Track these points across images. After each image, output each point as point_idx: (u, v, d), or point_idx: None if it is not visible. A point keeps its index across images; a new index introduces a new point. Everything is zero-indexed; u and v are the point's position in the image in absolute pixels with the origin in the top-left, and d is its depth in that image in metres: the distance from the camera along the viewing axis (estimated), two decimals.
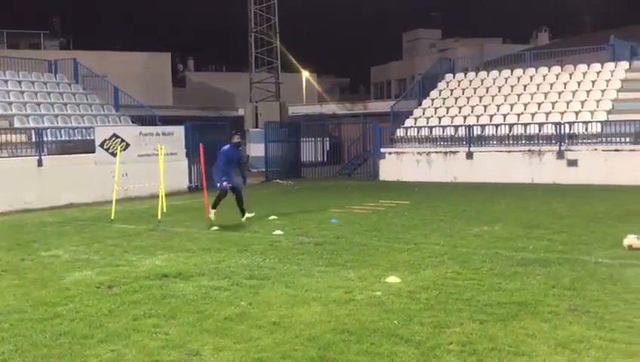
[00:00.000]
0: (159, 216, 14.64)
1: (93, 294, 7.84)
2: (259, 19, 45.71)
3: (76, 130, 21.98)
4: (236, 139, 14.01)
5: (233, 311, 6.92)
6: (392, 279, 8.13)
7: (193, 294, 7.69)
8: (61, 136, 21.45)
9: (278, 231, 12.37)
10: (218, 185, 13.69)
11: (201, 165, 16.87)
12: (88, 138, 21.15)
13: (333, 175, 30.59)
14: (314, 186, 24.87)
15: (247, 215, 14.00)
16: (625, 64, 26.51)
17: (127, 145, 20.74)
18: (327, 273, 8.67)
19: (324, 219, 14.03)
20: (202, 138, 21.87)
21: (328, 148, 36.03)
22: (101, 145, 20.35)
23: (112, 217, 14.98)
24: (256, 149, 35.80)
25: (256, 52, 46.07)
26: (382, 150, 27.35)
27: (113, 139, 20.55)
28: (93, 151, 20.31)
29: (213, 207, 13.80)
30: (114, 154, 18.06)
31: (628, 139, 22.28)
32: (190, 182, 23.08)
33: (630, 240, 9.76)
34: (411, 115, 28.81)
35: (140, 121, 24.48)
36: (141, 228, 13.46)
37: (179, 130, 23.14)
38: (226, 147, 13.84)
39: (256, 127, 40.16)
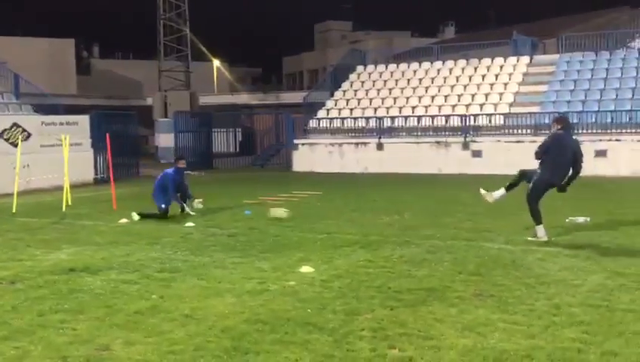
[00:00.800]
0: (64, 209, 14.15)
1: None
2: (168, 6, 44.77)
3: None
4: (181, 164, 13.67)
5: (144, 304, 6.78)
6: (306, 269, 8.19)
7: (101, 288, 7.48)
8: None
9: (190, 224, 12.20)
10: (162, 206, 13.10)
11: (108, 156, 16.40)
12: None
13: (246, 166, 30.43)
14: (226, 177, 24.65)
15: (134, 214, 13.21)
16: (526, 58, 27.75)
17: (29, 135, 20.03)
18: (240, 264, 8.63)
19: (237, 211, 13.95)
20: (109, 128, 21.32)
21: (241, 139, 35.81)
22: (1, 135, 19.49)
23: (14, 210, 14.37)
24: (165, 140, 35.08)
25: (165, 39, 45.15)
26: (295, 141, 27.45)
27: (14, 128, 19.77)
28: None
29: (142, 216, 13.10)
30: (14, 145, 17.37)
31: (529, 131, 23.34)
32: (96, 173, 22.45)
33: (274, 211, 10.03)
34: (324, 106, 29.05)
35: (42, 110, 23.49)
36: (45, 222, 12.95)
37: (84, 120, 22.47)
38: (170, 171, 13.45)
39: (166, 116, 39.40)
